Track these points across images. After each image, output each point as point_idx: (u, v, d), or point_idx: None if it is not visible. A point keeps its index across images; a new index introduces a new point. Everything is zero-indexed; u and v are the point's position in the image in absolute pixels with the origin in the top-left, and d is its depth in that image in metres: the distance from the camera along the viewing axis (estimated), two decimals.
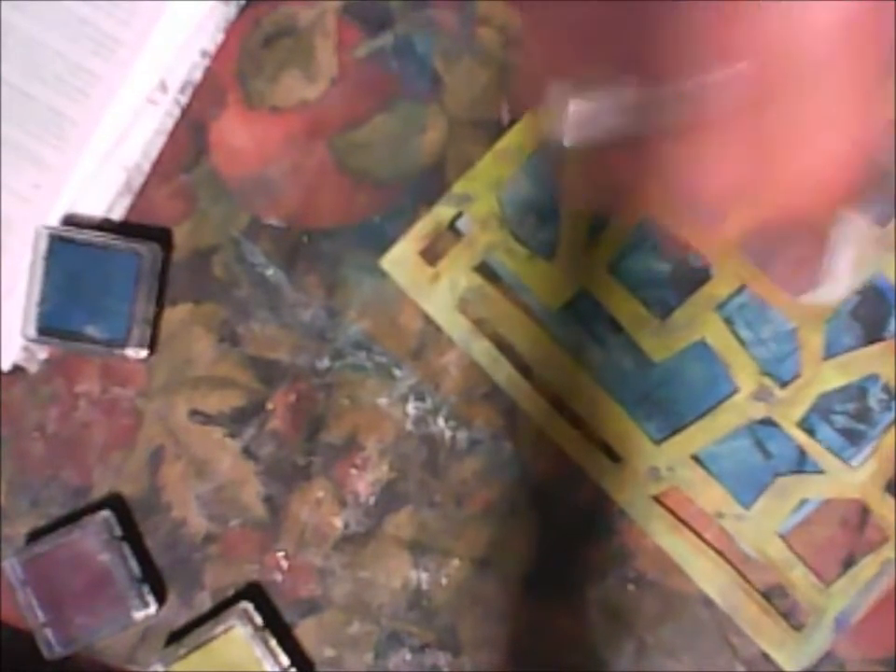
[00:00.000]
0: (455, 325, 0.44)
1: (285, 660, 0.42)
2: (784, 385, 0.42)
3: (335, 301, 0.44)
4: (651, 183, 0.27)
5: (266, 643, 0.42)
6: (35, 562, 0.43)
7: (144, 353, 0.44)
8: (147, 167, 0.45)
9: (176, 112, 0.45)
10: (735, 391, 0.43)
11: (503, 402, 0.44)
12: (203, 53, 0.45)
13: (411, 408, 0.44)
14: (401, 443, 0.44)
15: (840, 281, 0.28)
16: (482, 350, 0.44)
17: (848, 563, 0.42)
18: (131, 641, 0.44)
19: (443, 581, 0.43)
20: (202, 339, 0.45)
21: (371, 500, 0.44)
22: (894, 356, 0.42)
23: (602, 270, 0.43)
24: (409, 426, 0.44)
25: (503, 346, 0.44)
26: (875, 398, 0.42)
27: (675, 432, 0.43)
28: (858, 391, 0.42)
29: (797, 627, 0.42)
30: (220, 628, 0.42)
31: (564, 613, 0.43)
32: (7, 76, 0.45)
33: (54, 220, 0.45)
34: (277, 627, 0.43)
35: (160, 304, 0.45)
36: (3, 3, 0.45)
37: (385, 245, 0.44)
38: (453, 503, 0.44)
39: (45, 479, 0.45)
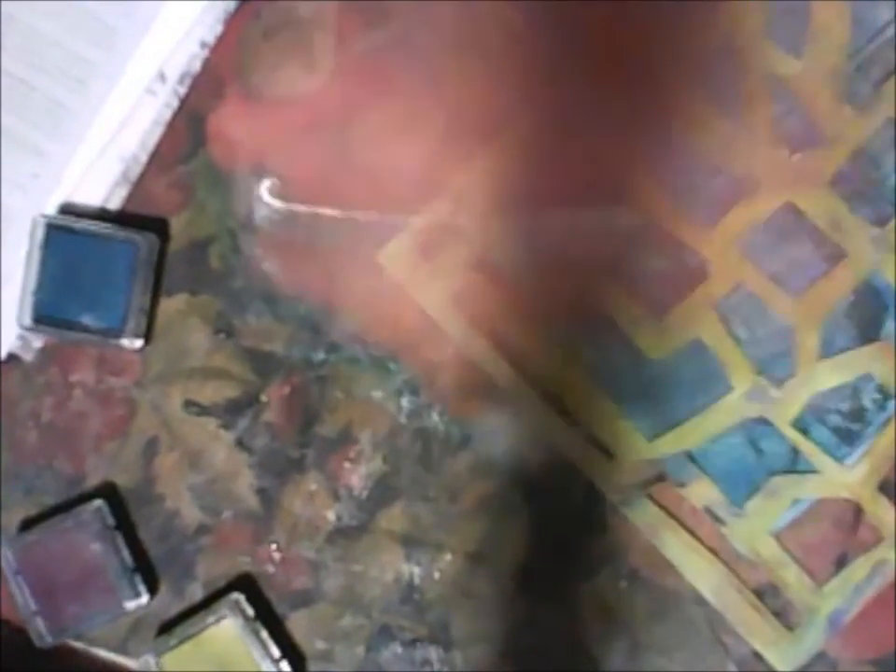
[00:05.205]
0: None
1: (276, 651, 0.42)
2: (779, 384, 0.42)
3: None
4: None
5: (257, 634, 0.42)
6: (27, 551, 0.43)
7: (139, 343, 0.44)
8: (144, 158, 0.45)
9: (175, 103, 0.45)
10: (729, 390, 0.43)
11: (497, 398, 0.44)
12: (203, 44, 0.45)
13: (405, 402, 0.44)
14: (395, 437, 0.44)
15: None
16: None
17: (841, 563, 0.42)
18: (122, 631, 0.44)
19: (436, 575, 0.43)
20: (197, 330, 0.45)
21: (365, 494, 0.44)
22: (891, 355, 0.42)
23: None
24: (403, 419, 0.44)
25: (499, 342, 0.44)
26: (869, 397, 0.42)
27: (669, 430, 0.43)
28: (852, 391, 0.42)
29: (790, 627, 0.42)
30: (212, 619, 0.42)
31: (556, 609, 0.43)
32: (5, 65, 0.45)
33: (51, 209, 0.45)
34: (269, 619, 0.43)
35: (155, 295, 0.44)
36: None
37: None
38: (446, 498, 0.44)
39: (38, 468, 0.45)
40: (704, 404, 0.43)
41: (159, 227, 0.45)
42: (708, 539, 0.43)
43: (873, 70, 0.43)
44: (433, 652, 0.43)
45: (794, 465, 0.42)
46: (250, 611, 0.42)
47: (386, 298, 0.44)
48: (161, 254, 0.45)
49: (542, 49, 0.43)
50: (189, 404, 0.45)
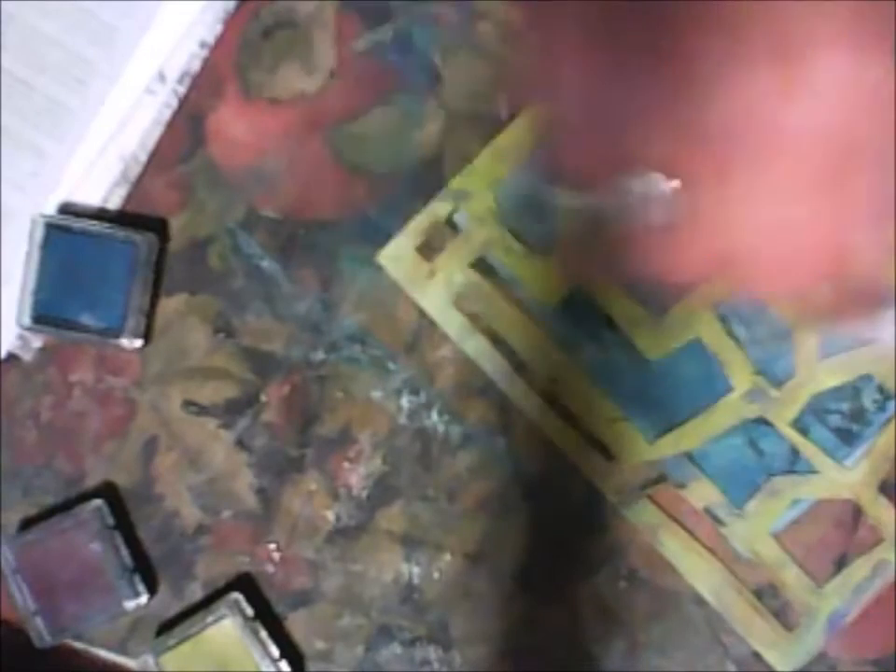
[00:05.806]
0: (450, 320, 0.44)
1: (275, 651, 0.42)
2: (779, 384, 0.42)
3: (330, 293, 0.44)
4: None
5: (256, 634, 0.42)
6: (26, 550, 0.43)
7: (138, 343, 0.44)
8: (144, 157, 0.45)
9: (174, 103, 0.45)
10: (729, 390, 0.42)
11: (497, 398, 0.44)
12: (202, 44, 0.45)
13: (404, 402, 0.44)
14: (395, 437, 0.44)
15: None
16: (476, 345, 0.44)
17: (841, 563, 0.42)
18: (121, 631, 0.44)
19: (435, 575, 0.43)
20: (196, 329, 0.45)
21: (364, 494, 0.44)
22: (891, 356, 0.42)
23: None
24: (402, 419, 0.44)
25: (498, 342, 0.44)
26: (869, 398, 0.42)
27: (669, 430, 0.43)
28: (852, 391, 0.42)
29: (789, 627, 0.42)
30: (211, 619, 0.42)
31: (555, 609, 0.43)
32: (5, 65, 0.45)
33: (51, 209, 0.45)
34: (268, 619, 0.43)
35: (155, 294, 0.44)
36: None
37: (381, 238, 0.44)
38: (445, 497, 0.44)
39: (38, 467, 0.45)
40: (704, 405, 0.43)
41: (158, 227, 0.45)
42: (708, 540, 0.43)
43: None
44: (432, 652, 0.43)
45: (794, 465, 0.42)
46: (249, 611, 0.42)
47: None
48: (161, 254, 0.45)
49: (542, 51, 0.43)
50: (188, 404, 0.45)
